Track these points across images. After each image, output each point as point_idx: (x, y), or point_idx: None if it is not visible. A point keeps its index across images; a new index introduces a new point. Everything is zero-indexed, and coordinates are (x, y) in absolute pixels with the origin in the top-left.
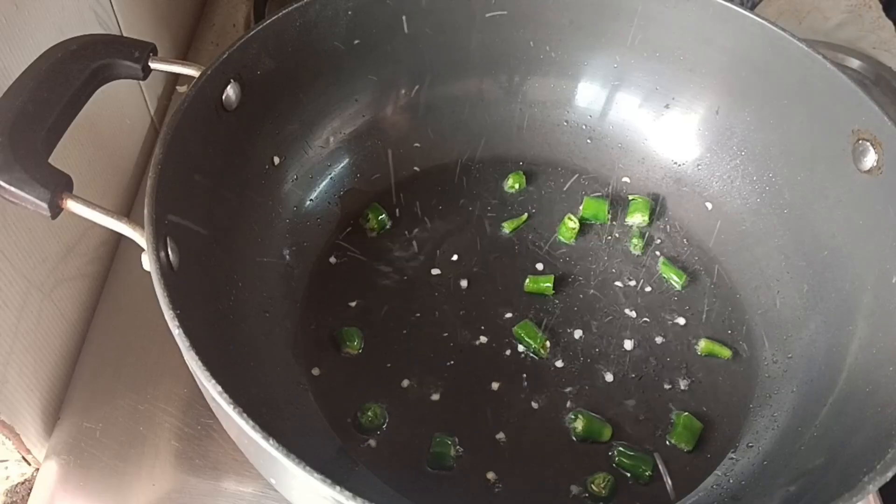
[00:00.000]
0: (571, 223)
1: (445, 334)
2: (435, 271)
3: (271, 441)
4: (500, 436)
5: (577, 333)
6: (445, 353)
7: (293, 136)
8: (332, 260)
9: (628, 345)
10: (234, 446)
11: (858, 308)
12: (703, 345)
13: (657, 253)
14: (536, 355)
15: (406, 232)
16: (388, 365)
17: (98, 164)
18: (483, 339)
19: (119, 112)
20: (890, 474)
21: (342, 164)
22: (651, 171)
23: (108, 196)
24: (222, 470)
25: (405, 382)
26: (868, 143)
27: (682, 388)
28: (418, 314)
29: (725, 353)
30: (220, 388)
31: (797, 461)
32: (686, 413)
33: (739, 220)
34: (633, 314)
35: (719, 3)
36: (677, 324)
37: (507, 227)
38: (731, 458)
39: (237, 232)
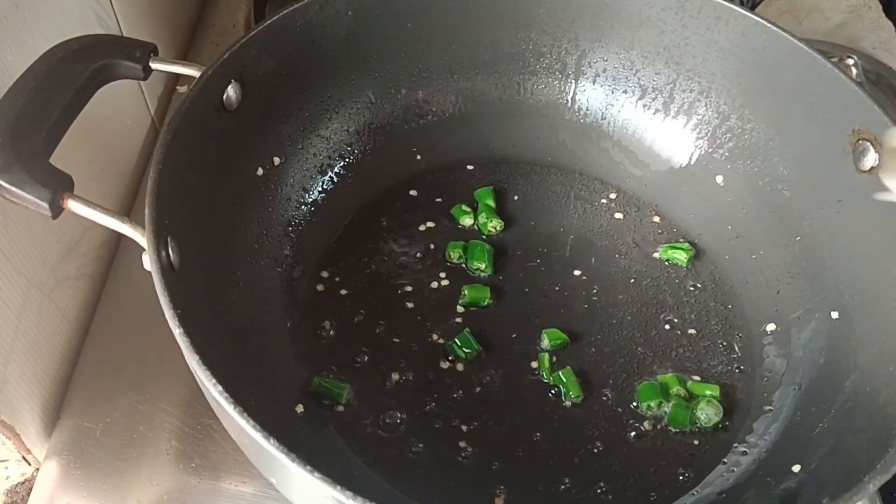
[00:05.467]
0: None
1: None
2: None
3: (272, 440)
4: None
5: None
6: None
7: (293, 136)
8: (333, 260)
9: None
10: (234, 446)
11: (858, 308)
12: None
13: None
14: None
15: (407, 231)
16: (386, 367)
17: (98, 164)
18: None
19: (119, 112)
20: (890, 474)
21: (342, 164)
22: (651, 171)
23: (109, 196)
24: (222, 470)
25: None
26: (868, 143)
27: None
28: (419, 316)
29: None
30: (220, 388)
31: (797, 461)
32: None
33: (739, 221)
34: (631, 312)
35: (719, 3)
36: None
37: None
38: (731, 459)
39: (238, 232)
